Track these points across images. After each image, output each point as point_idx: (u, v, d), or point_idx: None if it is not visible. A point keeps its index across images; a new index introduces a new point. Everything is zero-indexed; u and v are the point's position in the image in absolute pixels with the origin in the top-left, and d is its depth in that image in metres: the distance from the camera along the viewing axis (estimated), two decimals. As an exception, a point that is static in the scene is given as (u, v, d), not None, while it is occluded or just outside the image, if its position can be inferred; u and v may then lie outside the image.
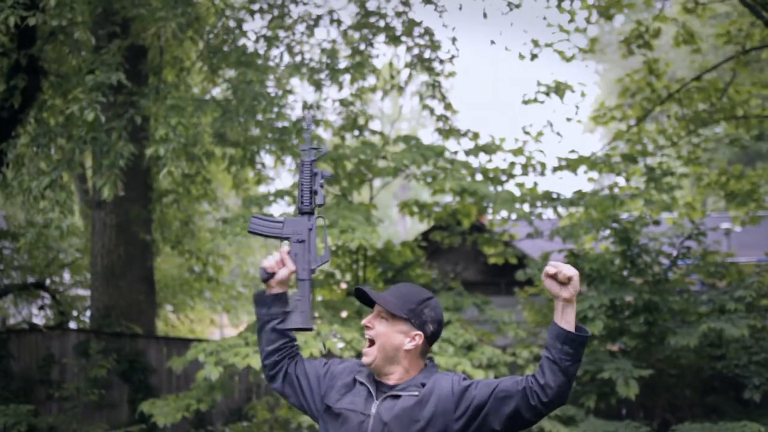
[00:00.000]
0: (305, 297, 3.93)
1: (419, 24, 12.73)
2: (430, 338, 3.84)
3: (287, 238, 3.95)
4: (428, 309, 3.84)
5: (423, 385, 3.77)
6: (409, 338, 3.79)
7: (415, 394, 3.74)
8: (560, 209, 11.67)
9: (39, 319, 15.83)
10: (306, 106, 12.46)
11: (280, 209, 14.17)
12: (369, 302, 3.91)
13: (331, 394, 3.88)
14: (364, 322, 3.88)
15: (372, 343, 3.82)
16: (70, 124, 10.54)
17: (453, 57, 12.95)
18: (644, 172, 12.88)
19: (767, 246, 13.50)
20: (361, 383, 3.84)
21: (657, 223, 12.23)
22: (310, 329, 3.96)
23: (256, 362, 8.97)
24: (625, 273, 11.73)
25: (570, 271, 3.55)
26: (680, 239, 12.00)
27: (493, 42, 12.90)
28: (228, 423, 12.22)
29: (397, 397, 3.76)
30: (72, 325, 15.21)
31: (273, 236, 4.00)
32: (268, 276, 3.91)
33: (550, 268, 3.56)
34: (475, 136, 12.17)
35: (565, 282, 3.56)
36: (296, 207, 4.18)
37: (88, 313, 14.86)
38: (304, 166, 3.99)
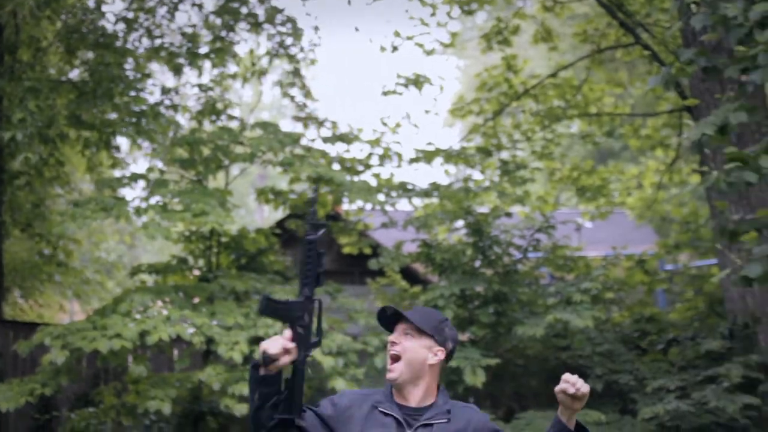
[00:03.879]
0: (299, 385, 3.84)
1: (281, 11, 12.70)
2: (449, 355, 3.94)
3: (300, 323, 3.84)
4: (448, 328, 3.96)
5: (448, 411, 3.85)
6: (432, 353, 3.87)
7: (444, 422, 3.81)
8: (415, 200, 11.81)
9: None
10: (165, 91, 12.31)
11: (134, 193, 14.01)
12: (385, 323, 3.98)
13: (351, 426, 3.87)
14: (391, 338, 3.93)
15: (396, 359, 3.87)
16: None
17: (315, 45, 12.98)
18: (498, 166, 13.13)
19: (615, 242, 13.88)
20: (386, 414, 3.86)
21: (509, 215, 12.47)
22: (293, 420, 3.85)
23: (103, 346, 8.85)
24: (476, 264, 11.95)
25: (586, 388, 3.69)
26: (531, 232, 12.27)
27: (357, 29, 12.98)
28: (74, 408, 12.01)
29: (430, 425, 3.81)
30: None
31: (284, 320, 3.84)
32: (270, 361, 3.77)
33: (569, 387, 3.68)
34: (334, 125, 12.23)
35: (580, 398, 3.70)
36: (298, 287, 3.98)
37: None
38: (309, 246, 3.84)
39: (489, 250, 11.90)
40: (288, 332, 3.83)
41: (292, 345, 3.79)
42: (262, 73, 13.03)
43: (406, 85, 12.54)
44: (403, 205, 12.09)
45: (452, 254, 11.69)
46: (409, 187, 11.74)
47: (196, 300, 10.16)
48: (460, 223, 12.27)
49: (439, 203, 12.52)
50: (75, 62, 12.36)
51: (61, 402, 12.34)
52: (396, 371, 3.87)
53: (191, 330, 9.44)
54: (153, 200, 10.03)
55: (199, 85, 12.36)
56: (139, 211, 9.80)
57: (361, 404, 3.92)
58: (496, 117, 15.02)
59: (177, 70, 12.18)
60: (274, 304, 3.89)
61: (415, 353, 3.87)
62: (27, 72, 10.70)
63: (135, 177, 10.70)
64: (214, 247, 11.06)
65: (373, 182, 11.69)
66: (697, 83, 10.83)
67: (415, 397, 3.88)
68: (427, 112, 13.61)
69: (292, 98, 12.69)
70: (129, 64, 12.12)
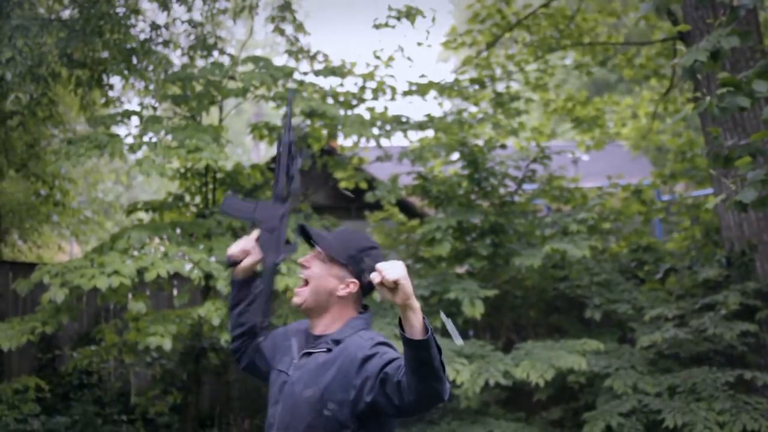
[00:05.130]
0: (265, 291, 3.84)
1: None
2: (366, 288, 3.71)
3: (260, 224, 3.80)
4: (369, 258, 3.65)
5: (337, 342, 3.63)
6: (343, 284, 3.68)
7: (323, 351, 3.63)
8: (410, 133, 11.76)
9: None
10: (154, 27, 12.19)
11: (127, 130, 13.94)
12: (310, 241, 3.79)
13: (276, 357, 3.84)
14: (301, 260, 3.74)
15: (306, 283, 3.71)
16: None
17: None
18: (492, 97, 13.08)
19: (611, 173, 13.88)
20: (290, 343, 3.80)
21: (504, 147, 12.47)
22: (264, 326, 3.86)
23: (102, 283, 8.87)
24: (472, 196, 11.96)
25: (392, 274, 3.16)
26: (526, 163, 12.28)
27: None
28: (76, 347, 12.09)
29: (309, 354, 3.68)
30: None
31: (245, 219, 3.84)
32: (232, 263, 3.77)
33: (375, 276, 3.20)
34: (327, 58, 12.16)
35: (392, 287, 3.18)
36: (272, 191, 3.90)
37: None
38: (282, 147, 3.81)
39: (485, 182, 11.91)
40: (254, 234, 3.79)
41: (251, 245, 3.77)
42: (253, 7, 12.90)
43: (398, 18, 12.42)
44: (398, 139, 12.07)
45: (448, 186, 11.69)
46: (404, 120, 11.69)
47: (194, 236, 10.16)
48: (455, 155, 12.26)
49: (434, 136, 12.49)
50: (64, 0, 12.23)
51: (62, 340, 12.41)
52: (301, 296, 3.72)
53: (189, 266, 9.45)
54: (146, 137, 9.99)
55: (189, 21, 12.25)
56: (133, 148, 9.77)
57: (288, 335, 3.87)
58: (490, 49, 14.95)
59: (165, 6, 12.05)
60: (235, 203, 3.85)
61: (321, 281, 3.68)
62: (16, 11, 10.58)
63: (128, 114, 10.64)
64: (210, 183, 11.04)
65: (367, 116, 11.64)
66: (690, 11, 10.76)
67: (320, 325, 3.73)
68: (419, 44, 13.44)
69: (282, 32, 12.58)
70: (119, 1, 11.99)
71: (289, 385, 3.64)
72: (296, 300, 3.73)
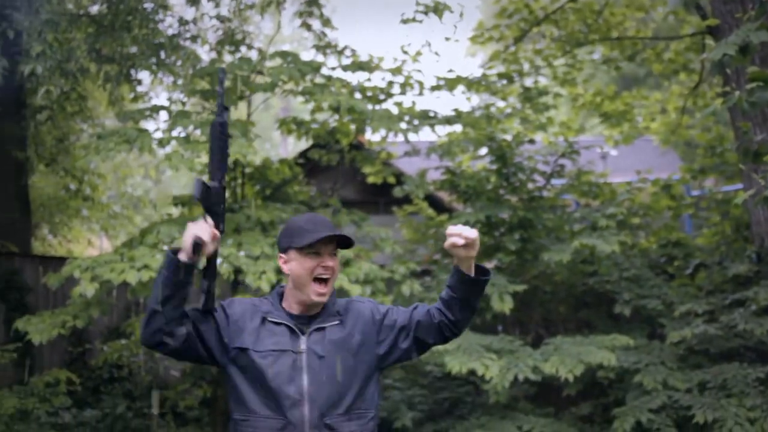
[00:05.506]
0: (211, 274, 3.88)
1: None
2: None
3: (215, 210, 3.81)
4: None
5: (338, 313, 3.94)
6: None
7: (336, 323, 3.89)
8: (438, 128, 11.75)
9: None
10: (182, 23, 12.23)
11: (156, 125, 13.99)
12: (310, 240, 3.87)
13: (243, 337, 3.86)
14: (330, 263, 3.90)
15: (327, 281, 3.90)
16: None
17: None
18: (520, 92, 13.04)
19: (640, 168, 13.82)
20: (277, 323, 3.88)
21: (532, 141, 12.43)
22: (209, 310, 3.88)
23: (132, 278, 8.89)
24: (501, 191, 11.94)
25: (471, 233, 3.73)
26: (554, 158, 12.24)
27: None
28: (106, 341, 12.15)
29: (323, 329, 3.87)
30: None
31: (198, 200, 3.80)
32: (199, 247, 3.70)
33: (458, 239, 3.72)
34: (354, 53, 12.16)
35: (471, 245, 3.74)
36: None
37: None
38: (213, 129, 3.83)
39: (513, 177, 11.89)
40: (209, 219, 3.79)
41: (217, 232, 3.78)
42: (280, 2, 12.92)
43: (426, 13, 12.40)
44: (426, 134, 12.06)
45: (476, 181, 11.67)
46: (431, 115, 11.68)
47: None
48: (483, 150, 12.24)
49: (462, 131, 12.47)
50: (92, -5, 12.30)
51: (93, 334, 12.49)
52: (328, 293, 3.92)
53: (219, 260, 9.46)
54: (175, 132, 10.01)
55: (218, 17, 12.29)
56: (162, 143, 9.80)
57: (252, 315, 3.91)
58: (517, 43, 14.91)
59: (194, 1, 12.09)
60: (209, 189, 3.82)
61: (337, 273, 3.97)
62: (45, 6, 10.64)
63: (156, 108, 10.68)
64: (239, 178, 11.06)
65: (395, 111, 11.63)
66: (718, 5, 10.68)
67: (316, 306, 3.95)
68: (447, 39, 13.41)
69: (309, 27, 12.59)
70: (147, -4, 12.04)
71: (313, 359, 3.82)
72: (325, 298, 3.91)
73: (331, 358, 3.82)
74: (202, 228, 3.73)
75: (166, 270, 3.74)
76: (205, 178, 4.12)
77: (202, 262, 3.83)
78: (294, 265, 3.89)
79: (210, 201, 3.79)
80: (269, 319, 3.88)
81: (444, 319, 3.92)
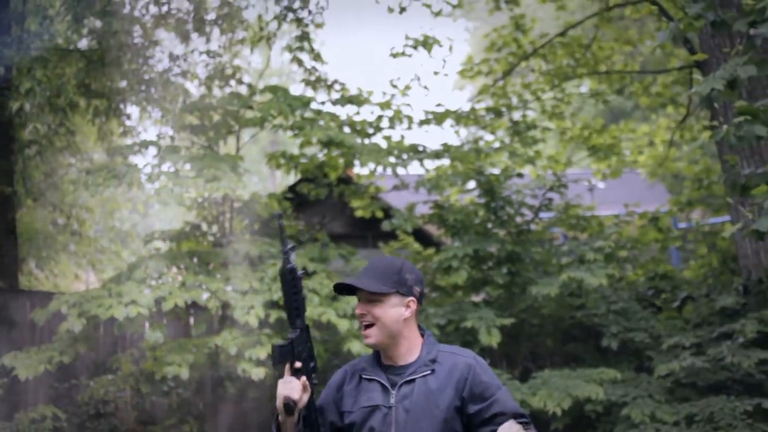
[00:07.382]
0: (316, 412, 3.84)
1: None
2: (420, 299, 3.94)
3: (302, 356, 3.78)
4: (408, 273, 3.91)
5: (432, 362, 3.88)
6: (404, 307, 3.87)
7: (427, 374, 3.84)
8: (426, 162, 11.80)
9: None
10: (172, 58, 12.29)
11: (145, 160, 13.99)
12: (349, 290, 3.91)
13: (344, 402, 3.91)
14: (358, 311, 3.89)
15: (370, 325, 3.87)
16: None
17: (322, 9, 12.93)
18: (509, 126, 13.10)
19: (628, 201, 13.86)
20: (369, 380, 3.89)
21: (520, 175, 12.46)
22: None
23: (119, 313, 8.90)
24: (489, 225, 11.96)
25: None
26: (542, 191, 12.27)
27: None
28: (93, 376, 12.10)
29: (412, 381, 3.84)
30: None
31: (291, 359, 3.76)
32: (291, 409, 3.68)
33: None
34: (343, 87, 12.21)
35: None
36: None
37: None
38: (283, 277, 3.78)
39: (501, 211, 11.91)
40: (297, 372, 3.76)
41: (305, 380, 3.75)
42: (270, 37, 12.99)
43: (415, 47, 12.48)
44: (415, 168, 12.06)
45: (464, 215, 11.70)
46: (420, 149, 11.72)
47: (211, 266, 10.19)
48: (471, 184, 12.27)
49: (451, 165, 12.51)
50: (83, 31, 12.33)
51: (79, 370, 12.42)
52: (372, 336, 3.87)
53: (206, 295, 9.47)
54: (165, 167, 10.03)
55: (208, 52, 12.34)
56: (151, 178, 9.82)
57: (351, 378, 3.95)
58: (506, 77, 14.98)
59: (185, 37, 12.14)
60: (285, 349, 3.79)
61: (386, 316, 3.85)
62: (35, 42, 10.68)
63: (146, 144, 10.70)
64: (227, 212, 11.07)
65: (384, 145, 11.67)
66: (706, 39, 10.77)
67: (400, 354, 3.91)
68: (436, 73, 13.50)
69: (300, 62, 12.65)
70: (137, 32, 12.09)
71: (401, 413, 3.79)
72: (369, 341, 3.88)
73: (418, 412, 3.78)
74: (292, 387, 3.71)
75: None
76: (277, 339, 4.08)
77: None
78: None
79: (292, 356, 3.77)
80: (363, 376, 3.91)
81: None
